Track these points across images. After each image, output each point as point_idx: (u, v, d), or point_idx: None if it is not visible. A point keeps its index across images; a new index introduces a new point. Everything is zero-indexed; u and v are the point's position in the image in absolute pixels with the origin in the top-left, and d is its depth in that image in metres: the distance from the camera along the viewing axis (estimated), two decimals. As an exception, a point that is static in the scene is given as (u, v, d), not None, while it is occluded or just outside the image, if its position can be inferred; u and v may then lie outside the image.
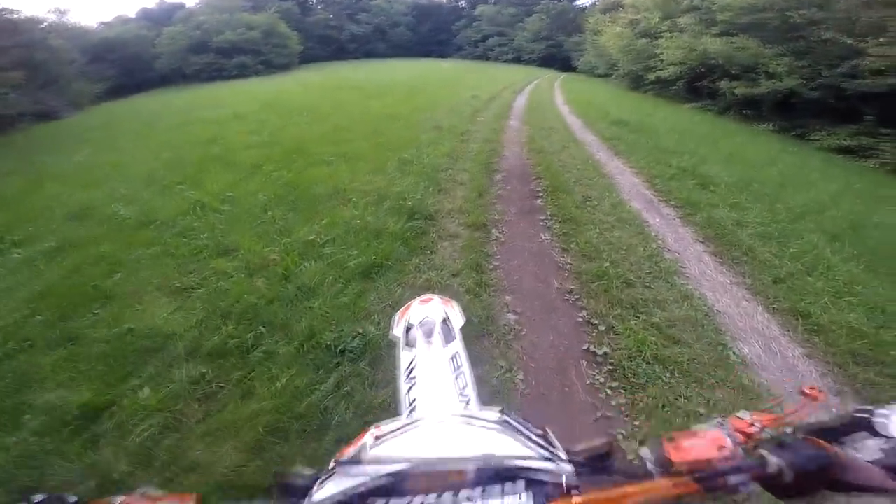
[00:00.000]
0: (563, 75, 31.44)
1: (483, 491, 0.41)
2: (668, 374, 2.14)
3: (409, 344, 0.98)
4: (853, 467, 0.40)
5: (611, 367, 2.19)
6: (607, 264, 3.13)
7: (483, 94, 14.05)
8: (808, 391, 0.47)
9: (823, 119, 11.87)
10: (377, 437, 0.51)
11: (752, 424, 0.45)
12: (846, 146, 10.62)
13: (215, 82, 29.20)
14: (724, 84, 14.29)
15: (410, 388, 0.87)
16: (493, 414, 0.57)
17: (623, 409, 1.96)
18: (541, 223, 3.95)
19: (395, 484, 0.44)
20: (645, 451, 0.44)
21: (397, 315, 1.09)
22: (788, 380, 2.26)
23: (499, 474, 0.43)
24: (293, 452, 1.63)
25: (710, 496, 0.40)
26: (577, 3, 58.22)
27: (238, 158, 5.38)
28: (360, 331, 2.27)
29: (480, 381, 2.05)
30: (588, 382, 2.10)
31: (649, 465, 0.43)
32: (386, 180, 4.46)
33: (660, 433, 0.44)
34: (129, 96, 26.30)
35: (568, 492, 0.42)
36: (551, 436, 0.54)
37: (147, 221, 3.59)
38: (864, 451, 0.40)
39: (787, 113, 12.91)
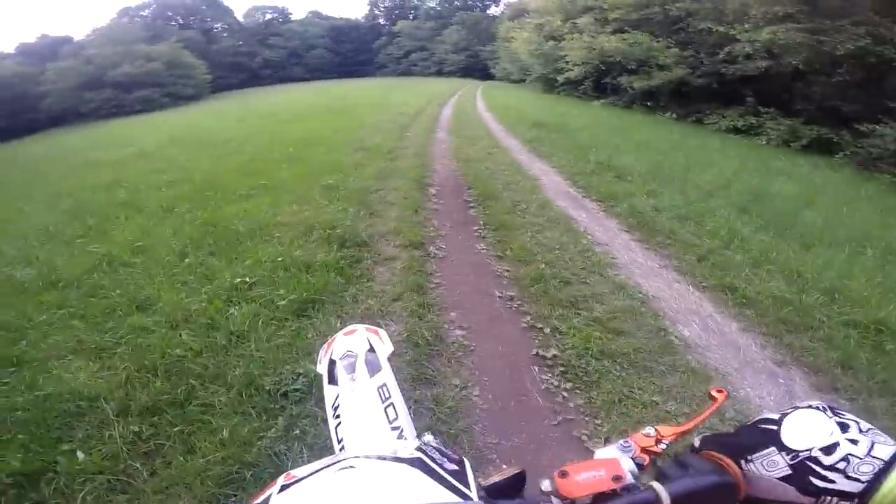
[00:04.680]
0: (484, 84, 32.45)
1: None
2: (618, 368, 2.18)
3: (333, 381, 0.92)
4: (762, 487, 0.38)
5: (562, 369, 2.19)
6: (543, 266, 3.17)
7: (409, 109, 13.92)
8: (714, 393, 0.47)
9: (713, 103, 12.91)
10: (283, 487, 0.48)
11: (657, 441, 0.44)
12: (737, 127, 11.57)
13: (116, 119, 26.95)
14: (623, 79, 15.28)
15: (337, 425, 0.83)
16: (409, 450, 0.55)
17: (581, 409, 1.96)
18: (475, 233, 3.95)
19: None
20: (546, 484, 0.42)
21: (322, 350, 1.02)
22: (731, 356, 2.33)
23: None
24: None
25: None
26: (490, 11, 60.80)
27: (146, 202, 4.94)
28: (301, 370, 2.13)
29: (437, 403, 2.01)
30: (543, 388, 2.09)
31: (554, 499, 0.40)
32: (312, 210, 4.26)
33: (555, 468, 0.42)
34: (14, 140, 23.66)
35: None
36: (467, 467, 0.54)
37: (49, 283, 3.19)
38: (773, 468, 0.38)
39: (683, 101, 13.98)
